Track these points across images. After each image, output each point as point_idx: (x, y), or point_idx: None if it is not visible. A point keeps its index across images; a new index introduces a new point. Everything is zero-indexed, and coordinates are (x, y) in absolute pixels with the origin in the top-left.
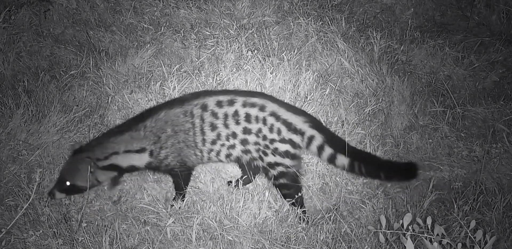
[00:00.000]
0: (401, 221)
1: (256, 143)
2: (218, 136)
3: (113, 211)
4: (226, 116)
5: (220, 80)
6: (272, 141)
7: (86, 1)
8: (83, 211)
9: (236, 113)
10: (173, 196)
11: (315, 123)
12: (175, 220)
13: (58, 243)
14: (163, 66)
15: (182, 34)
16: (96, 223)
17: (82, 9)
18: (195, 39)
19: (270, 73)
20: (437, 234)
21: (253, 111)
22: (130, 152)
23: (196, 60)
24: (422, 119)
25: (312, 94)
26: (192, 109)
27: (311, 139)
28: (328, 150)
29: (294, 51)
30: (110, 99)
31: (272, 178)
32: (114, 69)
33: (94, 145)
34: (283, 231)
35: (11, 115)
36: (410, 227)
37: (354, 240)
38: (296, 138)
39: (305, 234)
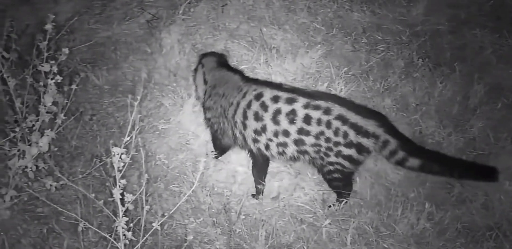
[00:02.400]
0: None
1: (315, 145)
2: (263, 128)
3: (271, 207)
4: (277, 112)
5: (387, 86)
6: (337, 144)
7: None
8: (243, 203)
9: (292, 112)
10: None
11: (388, 127)
12: (331, 221)
13: (216, 232)
14: (331, 68)
15: (353, 37)
16: (254, 217)
17: (258, 5)
18: (366, 42)
19: (440, 82)
20: None
21: (315, 114)
22: (203, 75)
23: (365, 64)
24: None
25: (482, 107)
26: (247, 91)
27: (386, 143)
28: (400, 154)
29: (466, 62)
30: None
31: (326, 173)
32: (283, 67)
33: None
34: (441, 244)
35: (182, 105)
36: None
37: None
38: (367, 142)
39: None
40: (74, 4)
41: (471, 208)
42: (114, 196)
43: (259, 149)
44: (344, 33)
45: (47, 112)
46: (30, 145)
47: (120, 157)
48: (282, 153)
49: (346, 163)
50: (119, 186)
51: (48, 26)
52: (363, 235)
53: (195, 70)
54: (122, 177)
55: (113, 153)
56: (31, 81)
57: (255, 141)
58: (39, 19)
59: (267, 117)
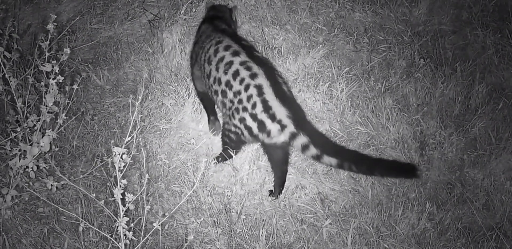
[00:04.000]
0: None
1: (231, 101)
2: (209, 72)
3: (271, 207)
4: (221, 59)
5: (389, 86)
6: (244, 109)
7: None
8: (243, 204)
9: (229, 63)
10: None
11: (300, 122)
12: (332, 221)
13: (217, 232)
14: (333, 68)
15: (355, 37)
16: (254, 217)
17: (259, 6)
18: (367, 42)
19: (442, 82)
20: None
21: (243, 73)
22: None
23: (367, 64)
24: None
25: (484, 107)
26: (214, 38)
27: (294, 136)
28: (313, 150)
29: (468, 62)
30: None
31: (226, 130)
32: (285, 67)
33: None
34: (442, 244)
35: (183, 104)
36: None
37: None
38: (271, 125)
39: None
40: (76, 4)
41: (472, 208)
42: (115, 196)
43: (211, 95)
44: (346, 33)
45: (48, 112)
46: (31, 145)
47: (121, 157)
48: (217, 103)
49: (245, 133)
50: (120, 186)
51: (50, 26)
52: (363, 235)
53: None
54: (123, 177)
55: (114, 153)
56: (32, 81)
57: (208, 87)
58: (41, 19)
59: (213, 62)
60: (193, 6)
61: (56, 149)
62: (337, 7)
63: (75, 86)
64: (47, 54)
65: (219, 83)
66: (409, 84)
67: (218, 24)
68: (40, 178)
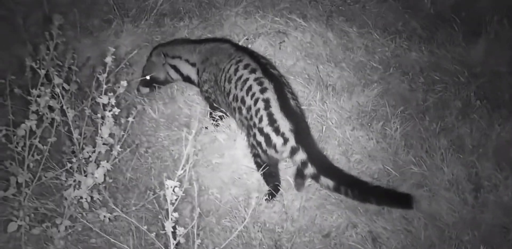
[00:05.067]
0: None
1: (246, 118)
2: (229, 91)
3: (322, 245)
4: (239, 78)
5: (444, 126)
6: (254, 125)
7: (320, 36)
8: (294, 240)
9: (245, 81)
10: None
11: (302, 137)
12: None
13: None
14: (387, 107)
15: (411, 77)
16: None
17: (315, 43)
18: (423, 82)
19: (498, 125)
20: None
21: (255, 88)
22: (187, 63)
23: (422, 103)
24: None
25: None
26: (233, 58)
27: (295, 150)
28: (311, 169)
29: None
30: (331, 133)
31: (252, 156)
32: (339, 104)
33: (167, 44)
34: None
35: (236, 139)
36: None
37: None
38: (275, 139)
39: None
40: (134, 38)
41: None
42: (166, 229)
43: (231, 113)
44: (401, 72)
45: (103, 144)
46: (86, 176)
47: (173, 190)
48: (236, 120)
49: (259, 150)
50: (172, 219)
51: (108, 59)
52: None
53: (163, 64)
54: (175, 210)
55: (166, 186)
56: (89, 113)
57: (228, 105)
58: (100, 52)
59: (233, 80)
60: (249, 42)
61: (110, 181)
62: (393, 46)
63: (130, 119)
64: (105, 86)
65: (236, 99)
66: (465, 125)
67: (230, 41)
68: (94, 209)
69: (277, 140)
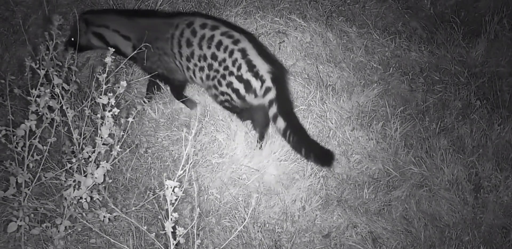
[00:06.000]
0: None
1: (216, 71)
2: (192, 54)
3: (322, 245)
4: (202, 37)
5: (444, 126)
6: (231, 73)
7: (320, 36)
8: (294, 241)
9: (211, 38)
10: None
11: (278, 76)
12: None
13: None
14: (387, 107)
15: (410, 77)
16: None
17: (315, 43)
18: (423, 82)
19: (498, 125)
20: None
21: (226, 41)
22: (118, 33)
23: (422, 104)
24: None
25: None
26: (179, 23)
27: (268, 90)
28: (274, 108)
29: None
30: (331, 133)
31: (219, 103)
32: (338, 104)
33: (95, 12)
34: None
35: (235, 139)
36: None
37: None
38: (255, 83)
39: None
40: None
41: None
42: (166, 229)
43: (190, 77)
44: (401, 73)
45: (103, 144)
46: (85, 176)
47: (173, 190)
48: (201, 78)
49: (234, 96)
50: (171, 219)
51: (108, 59)
52: None
53: (84, 32)
54: (175, 211)
55: (166, 186)
56: (89, 113)
57: (187, 69)
58: (99, 52)
59: (195, 42)
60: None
61: (110, 181)
62: (393, 46)
63: (130, 119)
64: (104, 86)
65: (205, 58)
66: (465, 125)
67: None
68: (93, 209)
69: (256, 84)
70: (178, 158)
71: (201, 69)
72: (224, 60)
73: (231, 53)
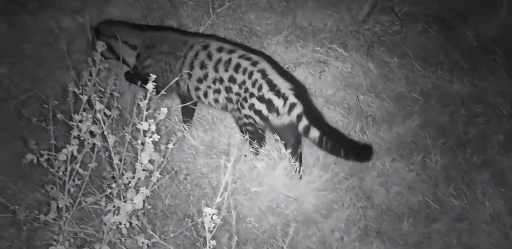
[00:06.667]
0: None
1: (238, 94)
2: (205, 76)
3: None
4: (219, 61)
5: (485, 159)
6: (251, 95)
7: (361, 66)
8: None
9: (228, 61)
10: None
11: (300, 92)
12: None
13: None
14: (428, 138)
15: (452, 108)
16: None
17: (355, 73)
18: (464, 114)
19: None
20: None
21: (245, 64)
22: (126, 44)
23: (463, 136)
24: None
25: None
26: (194, 43)
27: (292, 106)
28: (304, 121)
29: None
30: (370, 164)
31: (242, 125)
32: (378, 135)
33: (110, 24)
34: None
35: (275, 167)
36: None
37: None
38: (277, 101)
39: None
40: None
41: None
42: None
43: (198, 96)
44: (442, 104)
45: (143, 170)
46: (125, 201)
47: (212, 218)
48: (216, 100)
49: (257, 118)
50: (209, 247)
51: (149, 86)
52: None
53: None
54: (213, 238)
55: (204, 213)
56: (129, 139)
57: (197, 89)
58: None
59: (210, 65)
60: (290, 71)
61: (149, 207)
62: (435, 77)
63: (170, 145)
64: (145, 112)
65: (221, 81)
66: (507, 159)
67: (177, 29)
68: (132, 235)
69: (279, 102)
70: (217, 186)
71: (217, 91)
72: (243, 82)
73: (250, 75)
